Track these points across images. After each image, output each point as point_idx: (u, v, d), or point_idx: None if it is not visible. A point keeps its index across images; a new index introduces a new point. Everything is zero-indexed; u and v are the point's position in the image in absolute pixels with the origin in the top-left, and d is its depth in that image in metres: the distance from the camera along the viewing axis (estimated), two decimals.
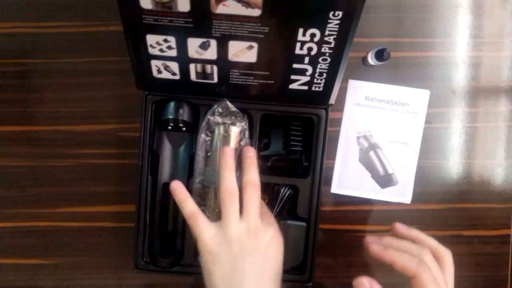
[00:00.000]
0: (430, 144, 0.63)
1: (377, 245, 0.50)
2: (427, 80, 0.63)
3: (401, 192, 0.63)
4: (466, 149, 0.64)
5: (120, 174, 0.62)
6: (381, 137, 0.62)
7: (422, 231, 0.63)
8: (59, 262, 0.64)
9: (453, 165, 0.64)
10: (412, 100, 0.62)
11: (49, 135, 0.62)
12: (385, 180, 0.63)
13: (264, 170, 0.59)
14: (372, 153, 0.63)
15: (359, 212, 0.63)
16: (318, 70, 0.50)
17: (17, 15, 0.62)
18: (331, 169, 0.62)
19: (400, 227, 0.53)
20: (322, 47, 0.47)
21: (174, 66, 0.51)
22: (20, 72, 0.62)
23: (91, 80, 0.62)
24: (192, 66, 0.51)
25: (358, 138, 0.62)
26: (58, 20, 0.62)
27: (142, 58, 0.50)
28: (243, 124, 0.56)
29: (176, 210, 0.58)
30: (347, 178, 0.63)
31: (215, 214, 0.54)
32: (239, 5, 0.43)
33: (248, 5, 0.43)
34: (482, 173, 0.64)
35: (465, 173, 0.64)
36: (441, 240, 0.63)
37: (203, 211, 0.55)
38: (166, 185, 0.58)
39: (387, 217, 0.63)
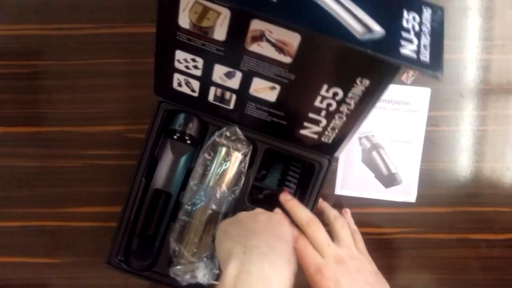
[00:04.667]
0: (437, 147, 0.63)
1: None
2: (434, 82, 0.62)
3: (406, 191, 0.63)
4: (474, 152, 0.64)
5: (127, 175, 0.62)
6: (383, 137, 0.62)
7: (429, 234, 0.64)
8: (67, 261, 0.64)
9: (460, 168, 0.64)
10: (413, 99, 0.62)
11: (58, 136, 0.63)
12: (389, 180, 0.63)
13: (255, 201, 0.59)
14: (374, 153, 0.63)
15: (364, 215, 0.63)
16: (331, 125, 0.51)
17: (26, 17, 0.62)
18: (334, 170, 0.62)
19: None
20: (342, 106, 0.48)
21: (195, 84, 0.51)
22: (29, 73, 0.63)
23: (100, 81, 0.62)
24: (212, 89, 0.51)
25: (360, 138, 0.62)
26: (67, 22, 0.62)
27: (166, 68, 0.50)
28: (246, 152, 0.56)
29: (161, 217, 0.59)
30: (351, 179, 0.63)
31: (198, 234, 0.55)
32: (273, 49, 0.43)
33: (282, 51, 0.43)
34: (490, 176, 0.64)
35: (473, 176, 0.64)
36: (448, 243, 0.64)
37: (186, 226, 0.56)
38: (157, 192, 0.58)
39: (393, 219, 0.64)
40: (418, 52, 0.34)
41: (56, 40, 0.62)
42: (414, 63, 0.34)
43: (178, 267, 0.56)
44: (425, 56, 0.34)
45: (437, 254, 0.64)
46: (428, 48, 0.34)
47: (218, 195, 0.56)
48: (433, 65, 0.34)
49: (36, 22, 0.62)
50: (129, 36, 0.62)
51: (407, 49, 0.34)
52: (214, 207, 0.55)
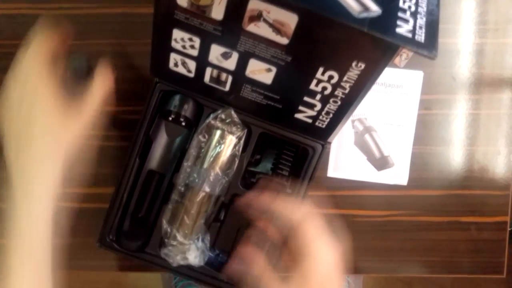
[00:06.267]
0: (429, 130, 0.64)
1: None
2: (427, 66, 0.63)
3: (397, 174, 0.63)
4: (465, 136, 0.65)
5: (121, 157, 0.62)
6: (376, 120, 0.63)
7: (420, 217, 0.65)
8: (59, 242, 0.64)
9: (452, 151, 0.65)
10: (405, 82, 0.63)
11: None
12: (381, 163, 0.63)
13: (248, 185, 0.60)
14: (367, 136, 0.63)
15: (356, 197, 0.64)
16: (326, 109, 0.51)
17: None
18: (327, 153, 0.62)
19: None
20: (337, 90, 0.48)
21: (192, 64, 0.51)
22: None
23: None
24: (208, 70, 0.51)
25: (353, 121, 0.63)
26: (60, 2, 0.61)
27: (163, 48, 0.50)
28: (240, 135, 0.57)
29: (154, 198, 0.59)
30: (343, 162, 0.63)
31: (190, 216, 0.55)
32: (270, 29, 0.43)
33: (279, 32, 0.43)
34: (481, 160, 0.65)
35: (464, 160, 0.65)
36: (439, 226, 0.65)
37: (178, 208, 0.57)
38: (151, 172, 0.58)
39: (384, 202, 0.64)
40: (413, 32, 0.34)
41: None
42: (409, 42, 0.34)
43: (170, 248, 0.56)
44: (420, 36, 0.34)
45: (428, 237, 0.65)
46: (423, 28, 0.35)
47: (211, 178, 0.56)
48: (428, 45, 0.34)
49: (31, 2, 0.62)
50: (124, 17, 0.62)
51: (403, 29, 0.34)
52: (207, 189, 0.56)
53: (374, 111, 0.63)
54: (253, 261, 0.45)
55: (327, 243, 0.44)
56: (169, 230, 0.56)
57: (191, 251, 0.56)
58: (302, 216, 0.44)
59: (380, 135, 0.63)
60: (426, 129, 0.64)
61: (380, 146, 0.63)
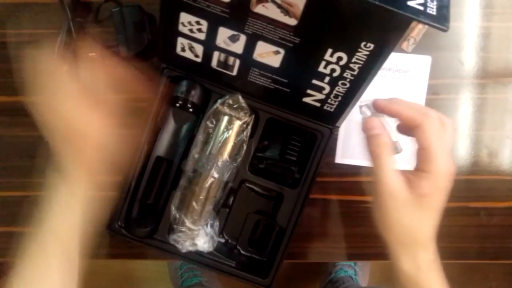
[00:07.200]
0: None
1: (383, 99, 0.50)
2: (433, 50, 0.63)
3: (405, 160, 0.62)
4: (473, 120, 0.64)
5: (129, 144, 0.61)
6: None
7: None
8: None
9: (460, 136, 0.65)
10: (413, 67, 0.62)
11: None
12: None
13: (256, 171, 0.60)
14: None
15: (365, 183, 0.63)
16: (334, 92, 0.51)
17: None
18: (334, 139, 0.62)
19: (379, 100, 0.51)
20: (345, 72, 0.48)
21: (199, 48, 0.51)
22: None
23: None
24: (216, 54, 0.51)
25: (360, 107, 0.62)
26: None
27: (171, 33, 0.50)
28: (248, 121, 0.57)
29: (163, 184, 0.59)
30: (351, 148, 0.63)
31: (199, 202, 0.55)
32: (278, 10, 0.43)
33: (287, 12, 0.43)
34: (490, 144, 0.65)
35: (472, 145, 0.65)
36: (448, 211, 0.62)
37: (187, 194, 0.57)
38: (159, 159, 0.58)
39: None
40: (425, 4, 0.34)
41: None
42: (421, 15, 0.34)
43: (179, 234, 0.56)
44: (432, 9, 0.34)
45: None
46: (435, 1, 0.35)
47: (220, 163, 0.56)
48: (440, 18, 0.34)
49: None
50: None
51: (414, 2, 0.34)
52: (216, 175, 0.56)
53: (382, 96, 0.62)
54: (377, 133, 0.50)
55: (445, 151, 0.49)
56: (177, 216, 0.56)
57: (200, 237, 0.56)
58: (423, 116, 0.48)
59: (388, 121, 0.62)
60: None
61: (388, 131, 0.63)
